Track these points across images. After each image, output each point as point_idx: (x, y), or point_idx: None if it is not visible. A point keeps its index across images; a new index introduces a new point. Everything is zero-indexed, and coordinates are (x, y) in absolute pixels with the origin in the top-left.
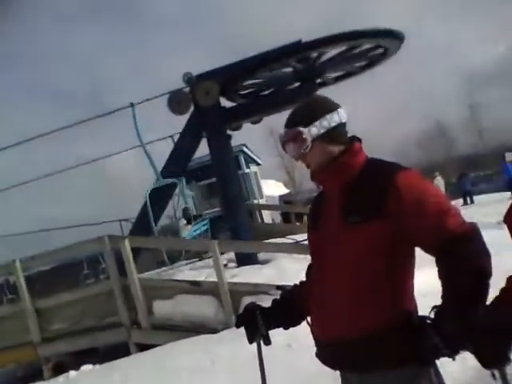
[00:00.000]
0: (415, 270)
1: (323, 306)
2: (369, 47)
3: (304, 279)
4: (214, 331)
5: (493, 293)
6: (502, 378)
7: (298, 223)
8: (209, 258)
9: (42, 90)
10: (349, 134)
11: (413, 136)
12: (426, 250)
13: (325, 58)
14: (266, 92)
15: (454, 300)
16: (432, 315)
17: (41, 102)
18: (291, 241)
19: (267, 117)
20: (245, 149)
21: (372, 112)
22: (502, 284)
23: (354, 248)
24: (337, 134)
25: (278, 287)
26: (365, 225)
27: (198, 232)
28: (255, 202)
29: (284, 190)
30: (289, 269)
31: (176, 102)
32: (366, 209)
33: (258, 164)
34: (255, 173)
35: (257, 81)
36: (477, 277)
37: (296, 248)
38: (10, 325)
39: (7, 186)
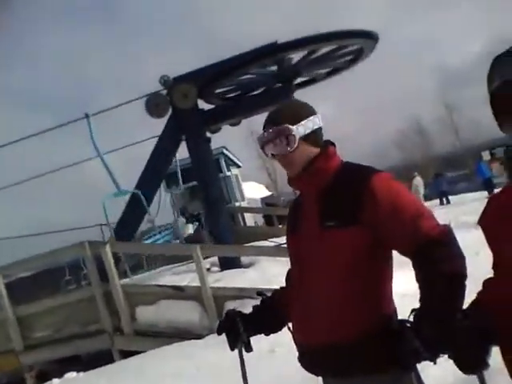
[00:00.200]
0: (395, 270)
1: (303, 312)
2: (343, 48)
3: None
4: (199, 337)
5: (470, 296)
6: (480, 382)
7: (280, 225)
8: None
9: (20, 93)
10: (325, 137)
11: (391, 136)
12: (402, 253)
13: (300, 59)
14: (245, 94)
15: (432, 303)
16: (411, 318)
17: (19, 106)
18: (274, 243)
19: (246, 118)
20: (225, 151)
21: (349, 113)
22: (480, 286)
23: (332, 253)
24: (317, 136)
25: (259, 293)
26: (342, 229)
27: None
28: (237, 204)
29: (266, 192)
30: (272, 272)
31: (154, 104)
32: (343, 214)
33: (239, 166)
34: (236, 175)
35: (234, 83)
36: (452, 280)
37: (279, 251)
38: None
39: None
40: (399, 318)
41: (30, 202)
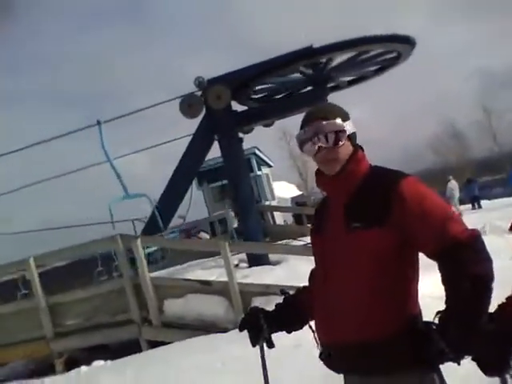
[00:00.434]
0: (422, 273)
1: (327, 311)
2: (379, 52)
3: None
4: (224, 330)
5: (501, 300)
6: None
7: (309, 225)
8: None
9: (49, 92)
10: (358, 140)
11: (427, 139)
12: (429, 255)
13: (336, 63)
14: (278, 96)
15: (457, 305)
16: (436, 320)
17: (48, 105)
18: (302, 242)
19: (279, 120)
20: (257, 151)
21: (384, 116)
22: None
23: (358, 254)
24: (355, 138)
25: (282, 291)
26: (368, 231)
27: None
28: (267, 203)
29: (296, 192)
30: (300, 270)
31: (187, 105)
32: (371, 216)
33: (270, 166)
34: (267, 175)
35: (268, 85)
36: (478, 282)
37: (307, 250)
38: (24, 320)
39: (18, 186)
40: (424, 319)
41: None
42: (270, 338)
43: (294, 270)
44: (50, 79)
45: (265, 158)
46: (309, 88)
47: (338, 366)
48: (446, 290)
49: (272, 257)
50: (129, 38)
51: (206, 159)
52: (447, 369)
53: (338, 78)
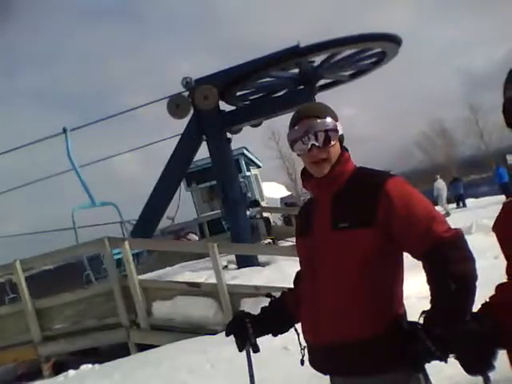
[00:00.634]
0: (407, 274)
1: (315, 312)
2: (366, 51)
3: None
4: (214, 332)
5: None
6: None
7: None
8: None
9: (44, 92)
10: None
11: (414, 138)
12: (414, 255)
13: (323, 62)
14: (266, 96)
15: (443, 303)
16: (421, 320)
17: (43, 104)
18: (291, 243)
19: (267, 120)
20: (245, 151)
21: (373, 115)
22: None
23: (346, 253)
24: (343, 139)
25: (267, 295)
26: (356, 230)
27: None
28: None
29: (285, 192)
30: (289, 271)
31: (175, 105)
32: (357, 215)
33: (259, 166)
34: (256, 175)
35: (256, 85)
36: (463, 281)
37: (295, 250)
38: (11, 324)
39: (7, 188)
40: (409, 319)
41: (49, 200)
42: (256, 342)
43: (282, 271)
44: (42, 78)
45: (253, 159)
46: (297, 87)
47: (324, 367)
48: (430, 289)
49: (261, 258)
50: (120, 37)
51: (194, 160)
52: (432, 369)
53: (325, 77)
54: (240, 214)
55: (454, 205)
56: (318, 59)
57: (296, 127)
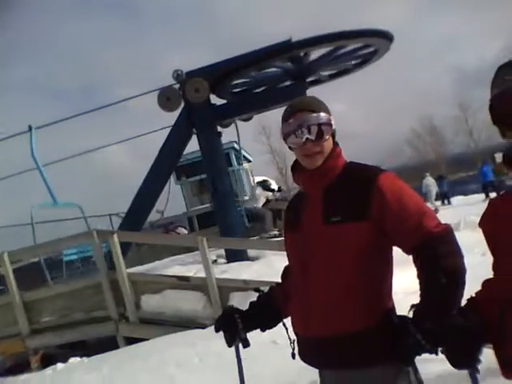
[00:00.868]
0: (396, 269)
1: (305, 305)
2: (358, 47)
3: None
4: (203, 326)
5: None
6: (472, 378)
7: None
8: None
9: (36, 84)
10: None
11: (404, 135)
12: (405, 249)
13: (315, 56)
14: (257, 90)
15: (433, 297)
16: (411, 314)
17: (35, 97)
18: (281, 238)
19: (258, 114)
20: (235, 145)
21: (363, 111)
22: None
23: (337, 247)
24: (335, 134)
25: (256, 289)
26: (347, 224)
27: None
28: (246, 198)
29: (275, 187)
30: (278, 266)
31: (165, 98)
32: (348, 209)
33: (249, 161)
34: (246, 170)
35: (247, 79)
36: (452, 275)
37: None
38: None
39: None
40: (398, 314)
41: (39, 192)
42: (246, 337)
43: (271, 266)
44: (37, 69)
45: (244, 153)
46: (288, 82)
47: (315, 360)
48: (420, 283)
49: (250, 252)
50: (113, 30)
51: (184, 153)
52: (422, 363)
53: (317, 72)
54: (230, 208)
55: (439, 202)
56: (310, 54)
57: (290, 120)
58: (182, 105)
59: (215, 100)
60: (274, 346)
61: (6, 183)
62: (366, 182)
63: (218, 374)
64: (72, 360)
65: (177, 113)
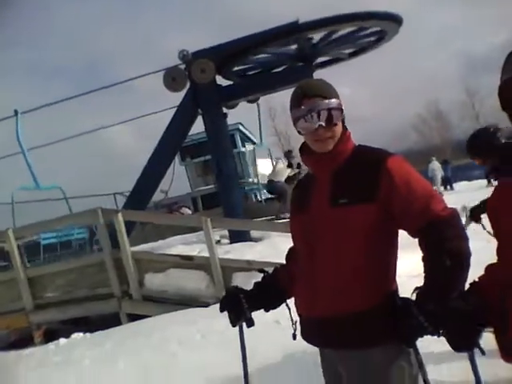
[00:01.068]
0: (401, 252)
1: (311, 286)
2: (366, 30)
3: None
4: (205, 305)
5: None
6: (471, 361)
7: None
8: None
9: (37, 65)
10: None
11: (410, 119)
12: (411, 232)
13: (322, 38)
14: (264, 71)
15: (437, 279)
16: (414, 296)
17: (36, 78)
18: (285, 219)
19: (264, 96)
20: (241, 127)
21: (369, 95)
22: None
23: (344, 229)
24: (344, 118)
25: (260, 270)
26: (355, 206)
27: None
28: (250, 180)
29: None
30: (281, 247)
31: (171, 78)
32: (358, 192)
33: (254, 143)
34: (251, 151)
35: (254, 60)
36: (458, 258)
37: (288, 226)
38: (4, 292)
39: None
40: (402, 296)
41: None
42: (251, 317)
43: (275, 247)
44: (37, 50)
45: (249, 135)
46: (295, 64)
47: (317, 340)
48: (425, 266)
49: (254, 234)
50: (115, 8)
51: (189, 134)
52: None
53: (324, 55)
54: (234, 190)
55: (442, 187)
56: (317, 36)
57: (302, 107)
58: (188, 85)
59: (221, 81)
60: (277, 325)
61: None
62: (375, 164)
63: (221, 351)
64: (75, 335)
65: (182, 93)
